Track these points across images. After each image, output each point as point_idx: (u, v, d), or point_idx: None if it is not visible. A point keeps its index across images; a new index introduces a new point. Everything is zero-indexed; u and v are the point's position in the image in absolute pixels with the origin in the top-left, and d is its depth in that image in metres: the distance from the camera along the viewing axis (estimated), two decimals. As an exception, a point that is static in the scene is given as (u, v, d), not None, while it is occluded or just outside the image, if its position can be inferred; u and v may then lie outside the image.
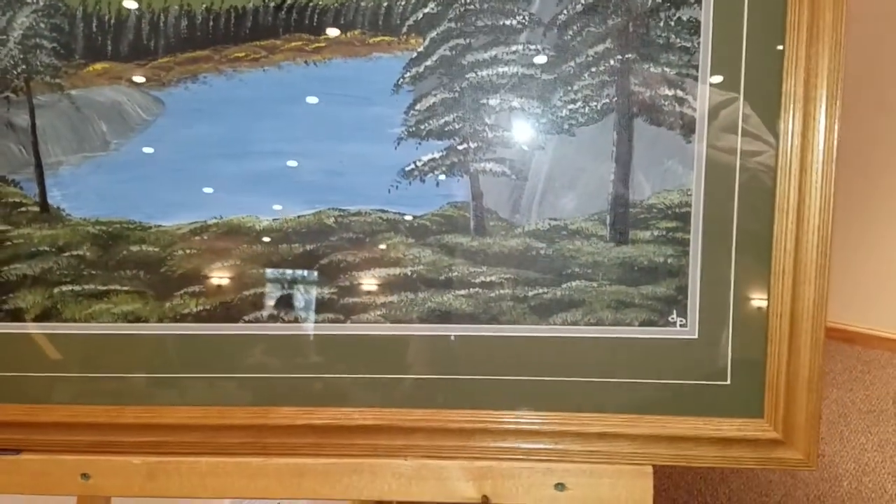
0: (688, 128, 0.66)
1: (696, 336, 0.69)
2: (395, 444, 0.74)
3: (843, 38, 0.62)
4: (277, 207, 0.72)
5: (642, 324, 0.70)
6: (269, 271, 0.73)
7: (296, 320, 0.74)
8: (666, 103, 0.66)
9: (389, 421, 0.73)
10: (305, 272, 0.73)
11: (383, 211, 0.72)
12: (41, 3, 0.69)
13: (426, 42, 0.68)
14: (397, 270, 0.72)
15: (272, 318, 0.74)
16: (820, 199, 0.64)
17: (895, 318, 2.30)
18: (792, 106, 0.63)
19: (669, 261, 0.68)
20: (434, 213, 0.71)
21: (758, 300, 0.68)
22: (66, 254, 0.74)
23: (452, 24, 0.67)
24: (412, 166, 0.70)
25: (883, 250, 2.32)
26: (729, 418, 0.70)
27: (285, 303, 0.74)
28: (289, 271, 0.73)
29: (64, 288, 0.74)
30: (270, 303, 0.74)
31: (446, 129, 0.70)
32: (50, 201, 0.73)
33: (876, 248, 2.34)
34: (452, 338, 0.72)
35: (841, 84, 0.62)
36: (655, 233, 0.68)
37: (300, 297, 0.73)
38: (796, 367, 0.68)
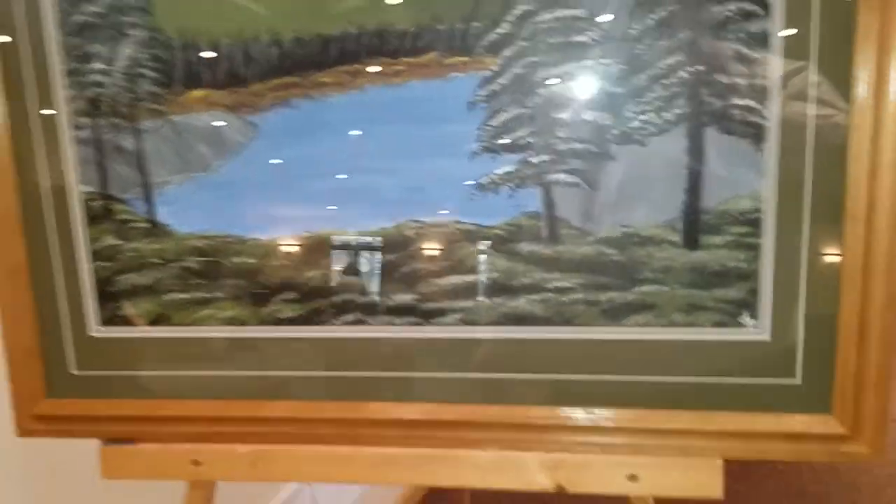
0: (759, 136, 0.67)
1: (767, 337, 0.70)
2: (474, 437, 0.78)
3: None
4: (361, 221, 0.76)
5: (714, 325, 0.71)
6: (355, 279, 0.78)
7: (380, 325, 0.78)
8: (737, 113, 0.67)
9: (469, 417, 0.77)
10: (388, 279, 0.77)
11: (459, 222, 0.75)
12: (142, 36, 0.75)
13: (500, 61, 0.70)
14: (473, 277, 0.76)
15: (358, 322, 0.79)
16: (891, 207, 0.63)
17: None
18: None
19: (741, 265, 0.69)
20: (508, 222, 0.74)
21: (828, 303, 0.68)
22: (174, 265, 0.80)
23: (525, 43, 0.69)
24: (487, 179, 0.73)
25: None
26: (798, 414, 0.71)
27: (370, 308, 0.78)
28: (373, 280, 0.77)
29: (172, 296, 0.81)
30: (357, 307, 0.78)
31: (519, 142, 0.72)
32: (157, 218, 0.79)
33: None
34: (527, 339, 0.75)
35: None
36: (727, 238, 0.69)
37: (383, 302, 0.78)
38: (865, 366, 0.68)
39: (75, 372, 0.83)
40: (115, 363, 0.83)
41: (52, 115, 0.77)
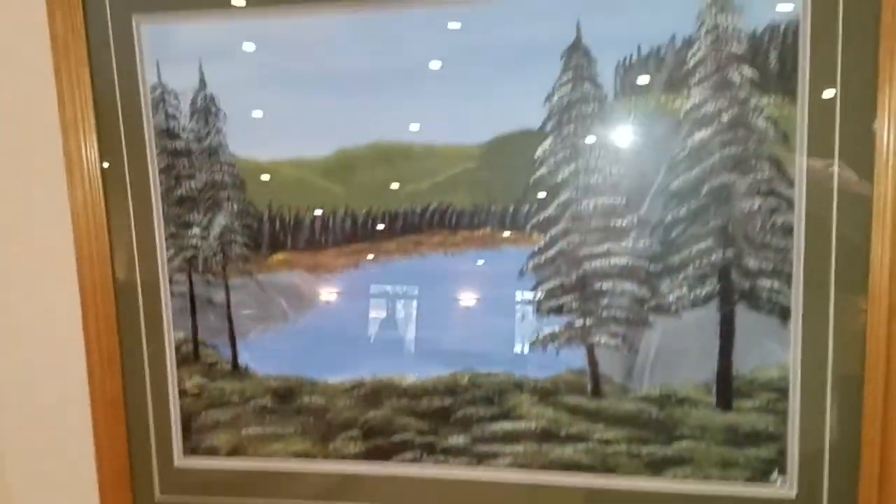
0: (784, 314, 0.73)
1: (794, 495, 0.75)
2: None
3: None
4: (420, 369, 0.84)
5: (746, 481, 0.76)
6: (413, 420, 0.85)
7: (436, 462, 0.84)
8: (764, 293, 0.73)
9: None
10: (444, 423, 0.84)
11: (510, 374, 0.82)
12: (235, 208, 0.85)
13: (547, 238, 0.78)
14: (523, 424, 0.82)
15: (415, 460, 0.85)
16: (910, 390, 0.69)
17: None
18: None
19: (770, 428, 0.75)
20: (555, 376, 0.81)
21: (850, 461, 0.73)
22: (252, 403, 0.88)
23: (569, 224, 0.77)
24: (535, 337, 0.80)
25: None
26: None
27: (427, 448, 0.85)
28: (428, 420, 0.84)
29: (250, 430, 0.89)
30: (414, 446, 0.85)
31: (564, 307, 0.79)
32: (240, 361, 0.88)
33: None
34: (572, 484, 0.81)
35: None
36: (757, 402, 0.75)
37: (439, 442, 0.84)
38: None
39: (159, 498, 0.91)
40: (195, 490, 0.90)
41: (152, 272, 0.87)
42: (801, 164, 0.71)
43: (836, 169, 0.70)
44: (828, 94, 0.70)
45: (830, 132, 0.70)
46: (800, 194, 0.71)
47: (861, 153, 0.70)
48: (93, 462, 0.90)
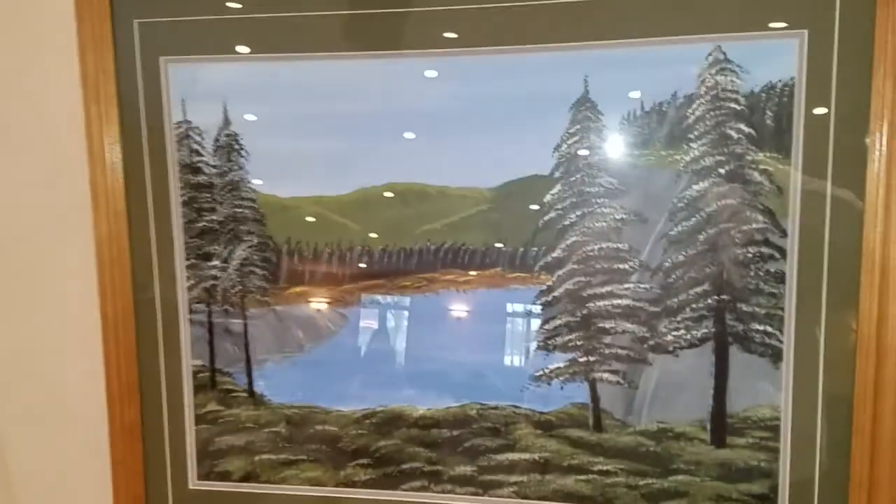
0: (776, 356, 0.76)
1: (789, 529, 0.78)
2: None
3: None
4: (430, 400, 0.86)
5: (738, 515, 0.79)
6: (422, 450, 0.87)
7: (443, 491, 0.87)
8: (756, 336, 0.77)
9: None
10: (451, 452, 0.86)
11: (516, 406, 0.85)
12: (255, 241, 0.88)
13: (554, 278, 0.82)
14: (527, 455, 0.85)
15: (423, 489, 0.88)
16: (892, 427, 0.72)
17: None
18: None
19: (762, 464, 0.78)
20: (558, 410, 0.84)
21: (839, 499, 0.76)
22: (266, 430, 0.90)
23: (575, 266, 0.81)
24: (540, 372, 0.83)
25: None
26: None
27: (435, 476, 0.87)
28: (437, 450, 0.87)
29: (263, 456, 0.91)
30: (423, 475, 0.87)
31: (569, 344, 0.82)
32: (255, 389, 0.90)
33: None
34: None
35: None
36: (750, 440, 0.78)
37: (447, 471, 0.87)
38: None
39: (173, 519, 0.93)
40: (208, 513, 0.93)
41: (172, 301, 0.89)
42: (794, 215, 0.75)
43: (827, 223, 0.74)
44: (815, 149, 0.74)
45: (823, 188, 0.74)
46: (792, 245, 0.75)
47: (850, 209, 0.73)
48: (109, 484, 0.92)
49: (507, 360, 0.85)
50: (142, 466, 0.92)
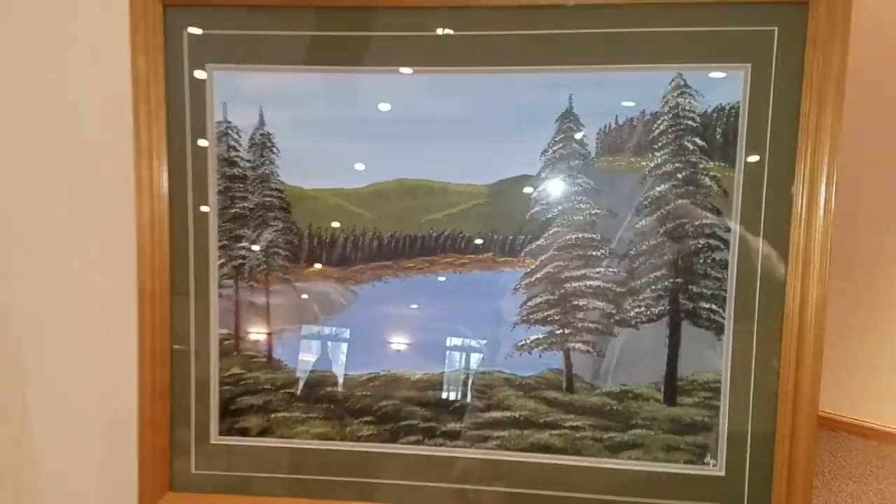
0: (719, 330, 0.91)
1: (723, 473, 0.92)
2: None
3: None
4: (427, 366, 0.99)
5: (686, 462, 0.93)
6: (418, 409, 0.99)
7: (436, 444, 0.99)
8: (704, 313, 0.91)
9: (501, 521, 0.97)
10: (444, 411, 0.99)
11: (501, 372, 0.97)
12: (280, 226, 0.99)
13: (537, 262, 0.95)
14: (509, 413, 0.98)
15: (418, 442, 1.00)
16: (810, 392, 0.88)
17: (910, 413, 2.43)
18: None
19: (705, 419, 0.92)
20: (537, 375, 0.97)
21: (767, 447, 0.91)
22: (282, 391, 1.01)
23: (556, 252, 0.94)
24: (523, 342, 0.97)
25: (897, 350, 2.48)
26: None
27: (429, 431, 0.99)
28: (431, 409, 0.99)
29: (278, 414, 1.02)
30: (418, 430, 1.00)
31: (548, 319, 0.96)
32: (274, 355, 1.01)
33: (891, 346, 2.49)
34: (546, 464, 0.96)
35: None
36: (696, 399, 0.92)
37: (439, 427, 0.99)
38: (794, 495, 0.90)
39: (195, 471, 1.03)
40: (227, 466, 1.03)
41: (204, 277, 1.00)
42: (735, 212, 0.90)
43: (762, 220, 0.89)
44: (755, 159, 0.89)
45: (759, 190, 0.89)
46: (734, 237, 0.90)
47: (780, 210, 0.89)
48: (135, 441, 1.02)
49: (495, 332, 0.97)
50: (168, 424, 1.02)
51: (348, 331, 1.00)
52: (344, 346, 1.01)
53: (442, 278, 0.98)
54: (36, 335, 1.10)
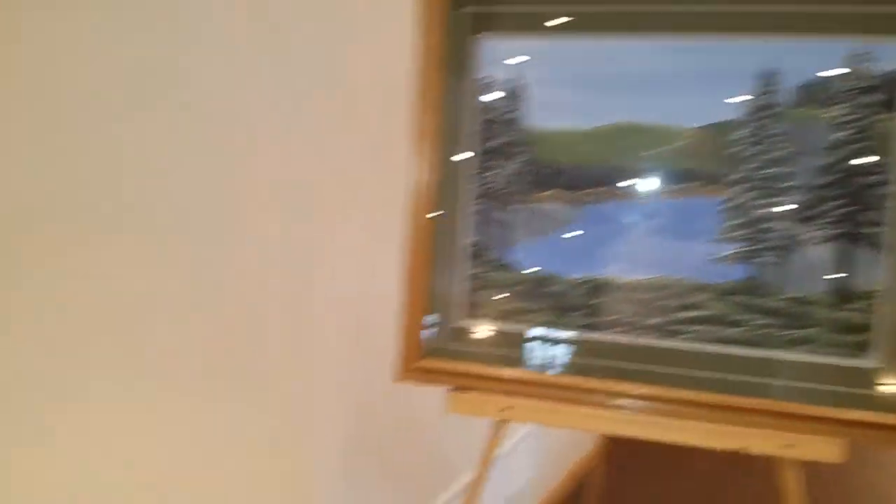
0: (880, 249, 1.11)
1: (882, 364, 1.12)
2: (695, 413, 1.21)
3: None
4: (635, 272, 1.23)
5: (850, 356, 1.14)
6: (625, 306, 1.23)
7: (637, 336, 1.23)
8: (866, 234, 1.12)
9: (694, 398, 1.20)
10: (646, 308, 1.22)
11: (699, 279, 1.20)
12: (525, 158, 1.25)
13: (732, 192, 1.17)
14: (703, 312, 1.20)
15: (622, 332, 1.24)
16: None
17: None
18: None
19: (866, 321, 1.13)
20: (730, 282, 1.19)
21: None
22: (513, 288, 1.27)
23: (748, 184, 1.16)
24: (719, 255, 1.19)
25: None
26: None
27: (632, 324, 1.23)
28: (637, 307, 1.23)
29: (509, 305, 1.28)
30: (625, 323, 1.23)
31: (741, 237, 1.18)
32: (508, 260, 1.28)
33: None
34: (731, 354, 1.19)
35: None
36: (860, 305, 1.13)
37: (642, 321, 1.23)
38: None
39: (442, 347, 1.30)
40: (468, 344, 1.30)
41: (462, 196, 1.27)
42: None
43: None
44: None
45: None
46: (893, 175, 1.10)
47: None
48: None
49: (696, 247, 1.20)
50: (423, 309, 1.30)
51: (569, 243, 1.26)
52: (568, 253, 1.26)
53: (653, 203, 1.21)
54: (329, 247, 1.40)
